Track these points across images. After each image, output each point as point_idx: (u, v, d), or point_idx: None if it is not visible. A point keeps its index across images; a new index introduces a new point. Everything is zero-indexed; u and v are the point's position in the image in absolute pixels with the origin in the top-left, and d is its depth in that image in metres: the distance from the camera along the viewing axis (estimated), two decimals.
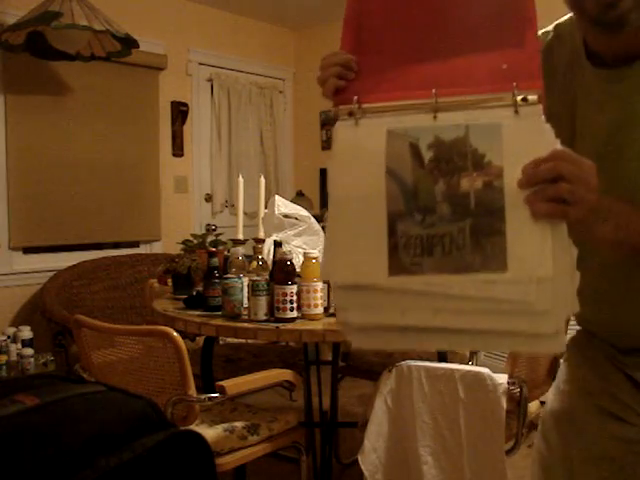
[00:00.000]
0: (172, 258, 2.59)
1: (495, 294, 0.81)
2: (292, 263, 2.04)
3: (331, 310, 2.11)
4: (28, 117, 3.86)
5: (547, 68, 0.87)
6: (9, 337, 3.47)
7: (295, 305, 2.00)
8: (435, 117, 0.86)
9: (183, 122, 4.75)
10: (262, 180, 2.52)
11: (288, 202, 2.67)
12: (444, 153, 0.84)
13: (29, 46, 3.48)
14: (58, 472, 0.74)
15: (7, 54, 3.60)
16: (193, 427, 1.89)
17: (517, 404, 1.91)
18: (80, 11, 3.27)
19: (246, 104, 5.12)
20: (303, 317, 2.02)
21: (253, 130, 5.19)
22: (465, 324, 0.84)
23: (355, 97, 0.91)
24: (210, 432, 1.95)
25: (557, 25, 1.11)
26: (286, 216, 2.57)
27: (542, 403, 2.25)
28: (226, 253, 2.40)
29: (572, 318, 1.07)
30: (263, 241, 2.42)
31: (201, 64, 4.88)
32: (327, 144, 5.45)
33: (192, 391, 1.84)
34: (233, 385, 1.91)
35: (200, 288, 2.31)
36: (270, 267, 2.20)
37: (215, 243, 2.64)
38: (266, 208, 2.57)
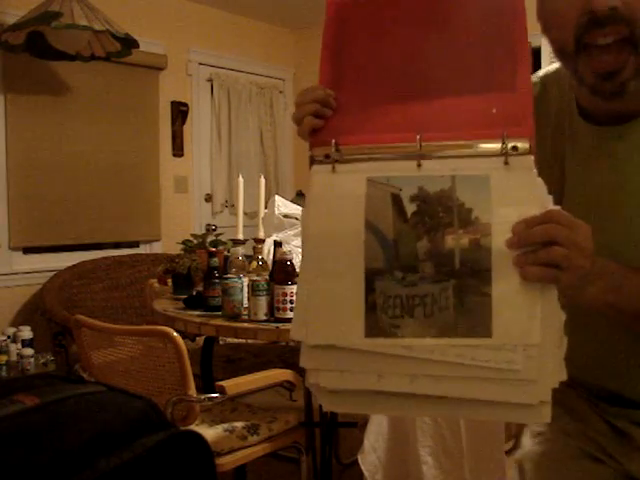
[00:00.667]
0: (172, 258, 2.59)
1: (478, 361, 0.76)
2: (292, 263, 2.04)
3: None
4: (28, 117, 3.86)
5: (536, 119, 0.82)
6: (9, 337, 3.47)
7: None
8: (419, 165, 0.80)
9: (183, 122, 4.75)
10: (262, 180, 2.52)
11: (288, 202, 2.67)
12: (428, 206, 0.78)
13: (29, 46, 3.48)
14: (58, 472, 0.74)
15: (7, 54, 3.59)
16: (193, 427, 1.89)
17: None
18: (80, 11, 3.27)
19: (246, 104, 5.12)
20: None
21: (253, 130, 5.18)
22: (445, 391, 0.78)
23: (333, 140, 0.83)
24: (210, 432, 1.95)
25: (544, 76, 1.07)
26: (286, 216, 2.57)
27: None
28: (226, 253, 2.40)
29: None
30: (263, 241, 2.42)
31: (201, 64, 4.88)
32: None
33: (192, 391, 1.83)
34: (233, 385, 1.91)
35: (200, 288, 2.31)
36: (270, 267, 2.20)
37: (215, 243, 2.64)
38: (266, 208, 2.57)
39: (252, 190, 2.92)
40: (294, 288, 2.00)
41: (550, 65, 1.10)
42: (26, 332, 3.49)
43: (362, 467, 1.96)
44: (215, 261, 2.24)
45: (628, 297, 0.87)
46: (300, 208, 2.66)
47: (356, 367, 0.80)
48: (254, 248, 2.39)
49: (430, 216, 0.78)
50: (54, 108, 3.98)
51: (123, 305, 4.00)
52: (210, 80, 4.94)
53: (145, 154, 4.50)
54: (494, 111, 0.80)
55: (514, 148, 0.78)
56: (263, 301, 2.01)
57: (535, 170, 0.78)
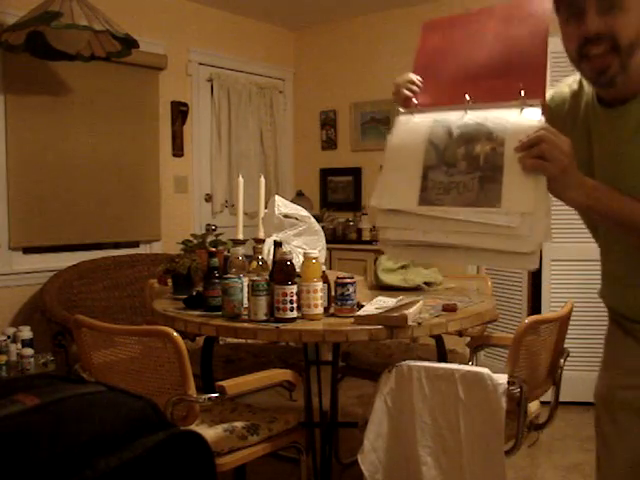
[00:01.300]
0: (172, 258, 2.59)
1: (490, 221, 1.16)
2: (292, 263, 2.04)
3: (331, 310, 2.11)
4: (28, 117, 3.86)
5: (574, 107, 1.41)
6: (9, 337, 3.47)
7: (295, 305, 2.00)
8: (466, 112, 1.27)
9: (183, 122, 4.75)
10: (262, 180, 2.52)
11: (288, 202, 2.66)
12: (468, 131, 1.23)
13: (29, 46, 3.48)
14: (58, 472, 0.74)
15: (7, 54, 3.59)
16: (193, 427, 1.89)
17: (517, 404, 1.91)
18: (80, 11, 3.27)
19: (246, 104, 5.12)
20: (303, 317, 2.02)
21: (253, 130, 5.18)
22: (468, 242, 1.19)
23: (415, 101, 1.38)
24: (210, 432, 1.95)
25: (581, 78, 1.43)
26: (286, 216, 2.57)
27: (542, 403, 2.25)
28: (226, 253, 2.40)
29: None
30: (263, 241, 2.42)
31: (201, 64, 4.88)
32: (327, 144, 5.45)
33: (192, 391, 1.83)
34: (233, 385, 1.91)
35: (200, 288, 2.31)
36: (270, 267, 2.19)
37: (215, 243, 2.64)
38: (266, 208, 2.57)
39: (252, 190, 2.92)
40: (294, 288, 2.00)
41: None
42: (26, 332, 3.49)
43: (362, 467, 1.96)
44: (215, 261, 2.24)
45: (607, 206, 1.25)
46: (300, 208, 2.66)
47: (410, 225, 1.24)
48: (254, 248, 2.39)
49: (468, 135, 1.23)
50: (54, 108, 3.98)
51: (123, 305, 3.99)
52: (210, 80, 4.94)
53: (145, 154, 4.50)
54: (521, 85, 1.26)
55: (529, 105, 1.23)
56: (263, 301, 2.01)
57: (541, 114, 1.21)
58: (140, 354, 1.91)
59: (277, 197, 2.63)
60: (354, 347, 2.88)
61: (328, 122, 5.43)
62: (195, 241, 2.70)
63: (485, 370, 1.86)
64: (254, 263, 2.25)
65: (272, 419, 2.08)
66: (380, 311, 1.98)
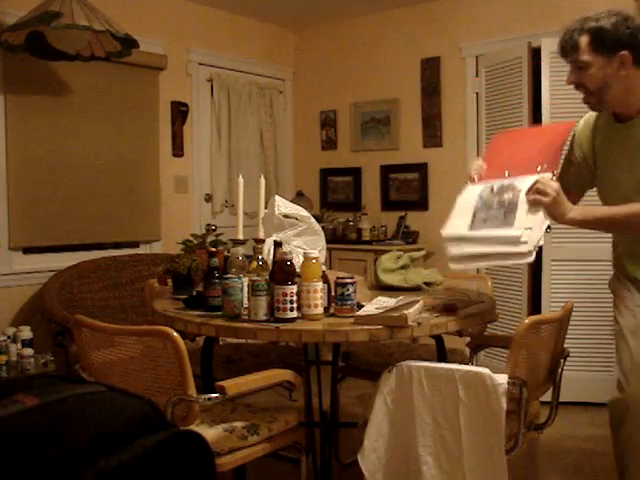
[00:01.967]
0: (172, 258, 2.59)
1: (506, 234, 1.91)
2: (292, 263, 2.04)
3: (331, 310, 2.11)
4: (28, 117, 3.86)
5: (594, 128, 2.14)
6: (9, 337, 3.47)
7: (295, 305, 2.00)
8: (504, 179, 2.04)
9: (183, 122, 4.75)
10: (262, 180, 2.51)
11: (288, 202, 2.66)
12: (501, 187, 2.02)
13: (29, 46, 3.48)
14: (58, 472, 0.74)
15: (7, 54, 3.60)
16: (193, 427, 1.89)
17: (517, 404, 1.91)
18: (80, 11, 3.27)
19: (246, 104, 5.12)
20: (303, 317, 2.02)
21: (253, 130, 5.19)
22: (491, 250, 1.94)
23: (476, 178, 2.14)
24: (210, 432, 1.95)
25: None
26: (286, 216, 2.56)
27: (542, 403, 2.25)
28: (226, 253, 2.40)
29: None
30: (263, 241, 2.41)
31: (201, 64, 4.88)
32: (327, 144, 5.46)
33: (192, 391, 1.83)
34: (233, 385, 1.91)
35: (200, 288, 2.31)
36: (270, 267, 2.19)
37: (215, 243, 2.64)
38: (266, 208, 2.57)
39: (252, 190, 2.92)
40: (294, 288, 2.00)
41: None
42: (26, 332, 3.49)
43: (362, 467, 1.96)
44: (215, 261, 2.24)
45: (596, 218, 1.96)
46: (300, 208, 2.66)
47: (462, 244, 2.01)
48: (254, 248, 2.38)
49: (500, 189, 2.01)
50: (54, 108, 3.98)
51: (123, 305, 4.00)
52: (210, 80, 4.94)
53: (145, 154, 4.50)
54: (545, 165, 2.01)
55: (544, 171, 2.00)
56: (263, 301, 2.01)
57: (554, 178, 1.97)
58: (140, 354, 1.91)
59: (277, 197, 2.63)
60: (354, 347, 2.88)
61: (328, 122, 5.43)
62: (195, 241, 2.70)
63: (485, 370, 1.86)
64: (254, 263, 2.25)
65: (272, 419, 2.08)
66: (380, 311, 1.98)
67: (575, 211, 1.90)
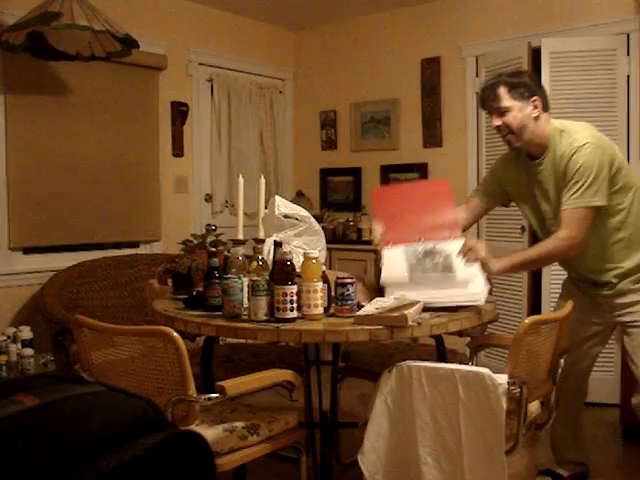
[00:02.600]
0: (172, 258, 2.59)
1: (450, 286, 2.21)
2: (292, 263, 2.04)
3: (331, 310, 2.11)
4: (28, 117, 3.86)
5: (513, 163, 2.54)
6: (9, 337, 3.47)
7: (295, 305, 2.00)
8: (420, 245, 2.35)
9: (183, 122, 4.75)
10: (262, 180, 2.51)
11: (288, 202, 2.66)
12: (427, 251, 2.33)
13: (29, 46, 3.48)
14: (58, 472, 0.74)
15: (7, 54, 3.60)
16: (193, 427, 1.89)
17: (517, 404, 1.91)
18: (80, 11, 3.27)
19: (246, 104, 5.12)
20: (303, 317, 2.02)
21: (253, 130, 5.19)
22: (439, 296, 2.17)
23: (387, 244, 2.38)
24: (210, 432, 1.95)
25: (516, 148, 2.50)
26: (286, 216, 2.56)
27: (542, 403, 2.25)
28: (226, 253, 2.40)
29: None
30: (263, 241, 2.42)
31: (201, 64, 4.88)
32: (327, 144, 5.45)
33: (192, 391, 1.83)
34: (233, 385, 1.91)
35: (200, 288, 2.31)
36: (270, 267, 2.20)
37: (215, 243, 2.64)
38: (266, 208, 2.57)
39: (252, 190, 2.92)
40: (294, 288, 2.00)
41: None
42: (26, 332, 3.49)
43: (362, 467, 1.96)
44: (215, 261, 2.24)
45: (517, 263, 2.34)
46: (300, 208, 2.66)
47: (400, 287, 2.23)
48: (254, 248, 2.39)
49: (427, 253, 2.33)
50: (54, 108, 3.98)
51: (123, 305, 4.00)
52: (210, 80, 4.94)
53: (145, 154, 4.50)
54: (445, 225, 2.44)
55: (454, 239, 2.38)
56: (263, 301, 2.01)
57: (461, 239, 2.36)
58: (140, 354, 1.91)
59: (277, 197, 2.63)
60: (354, 347, 2.88)
61: (328, 122, 5.43)
62: (195, 241, 2.70)
63: (485, 370, 1.86)
64: (254, 263, 2.25)
65: (272, 419, 2.08)
66: (380, 311, 1.98)
67: (499, 263, 2.25)
